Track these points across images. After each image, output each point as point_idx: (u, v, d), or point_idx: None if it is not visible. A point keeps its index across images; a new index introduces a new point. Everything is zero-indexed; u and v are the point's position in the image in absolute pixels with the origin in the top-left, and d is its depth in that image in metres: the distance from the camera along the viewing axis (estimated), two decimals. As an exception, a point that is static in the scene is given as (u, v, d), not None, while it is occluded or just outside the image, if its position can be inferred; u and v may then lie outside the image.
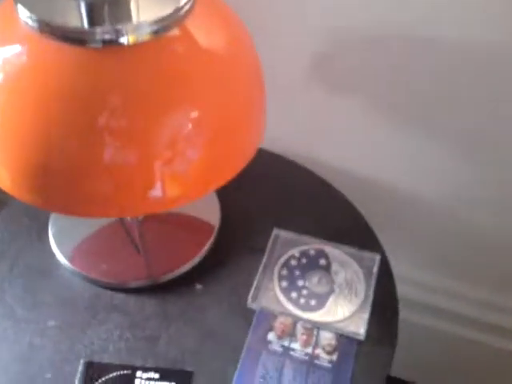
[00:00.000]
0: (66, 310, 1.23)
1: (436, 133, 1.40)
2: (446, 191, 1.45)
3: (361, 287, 1.27)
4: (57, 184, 0.87)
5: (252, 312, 1.23)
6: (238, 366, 1.15)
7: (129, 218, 1.28)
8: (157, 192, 0.89)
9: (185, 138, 0.84)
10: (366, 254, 1.33)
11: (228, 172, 0.97)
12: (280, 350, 1.17)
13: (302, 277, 1.29)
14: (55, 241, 1.27)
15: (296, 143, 1.43)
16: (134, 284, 1.22)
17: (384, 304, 1.24)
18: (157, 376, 1.14)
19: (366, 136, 1.47)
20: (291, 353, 1.17)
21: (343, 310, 1.23)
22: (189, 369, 1.15)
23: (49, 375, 1.13)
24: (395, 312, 1.23)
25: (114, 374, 1.14)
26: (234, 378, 1.13)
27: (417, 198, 1.49)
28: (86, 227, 1.32)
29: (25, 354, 1.12)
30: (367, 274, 1.29)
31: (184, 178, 0.91)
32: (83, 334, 1.19)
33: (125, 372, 1.14)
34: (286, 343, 1.18)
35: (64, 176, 0.85)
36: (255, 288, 1.25)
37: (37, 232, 1.31)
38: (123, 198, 0.91)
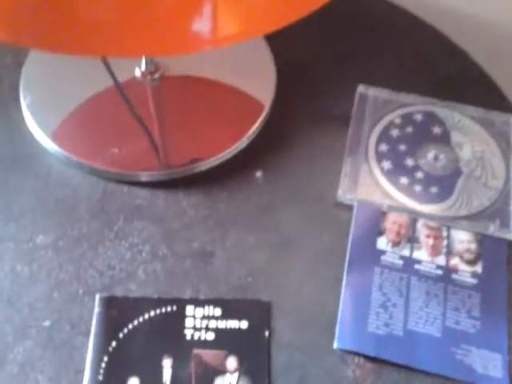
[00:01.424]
0: (62, 219, 0.80)
1: None
2: None
3: (498, 163, 0.86)
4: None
5: (345, 210, 0.81)
6: (341, 295, 0.75)
7: (138, 76, 0.84)
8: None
9: None
10: (497, 117, 0.90)
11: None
12: (399, 263, 0.77)
13: (412, 153, 0.87)
14: (33, 117, 0.81)
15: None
16: (161, 175, 0.84)
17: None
18: (218, 312, 0.73)
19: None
20: (416, 266, 0.77)
21: (480, 199, 0.83)
22: (263, 298, 0.75)
23: (47, 322, 0.72)
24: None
25: (151, 313, 0.73)
26: (339, 320, 0.73)
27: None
28: (73, 94, 0.87)
29: (6, 292, 0.73)
30: (503, 143, 0.88)
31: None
32: (94, 255, 0.77)
33: (168, 309, 0.74)
34: (405, 252, 0.78)
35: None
36: (345, 175, 0.83)
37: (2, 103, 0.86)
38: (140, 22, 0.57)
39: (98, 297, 0.74)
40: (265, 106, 0.90)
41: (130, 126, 0.85)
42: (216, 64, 0.92)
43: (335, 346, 0.72)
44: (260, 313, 0.74)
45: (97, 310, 0.73)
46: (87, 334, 0.71)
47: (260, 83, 0.93)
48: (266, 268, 0.77)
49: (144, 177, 0.82)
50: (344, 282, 0.76)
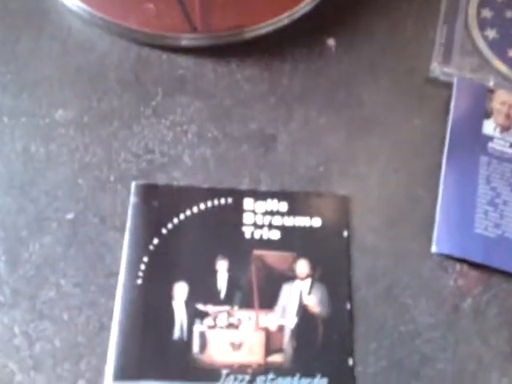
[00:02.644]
0: (87, 90, 0.64)
1: None
2: None
3: None
4: None
5: (441, 87, 0.65)
6: (439, 189, 0.60)
7: None
8: None
9: None
10: None
11: None
12: (510, 152, 0.61)
13: (520, 21, 0.69)
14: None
15: None
16: (207, 39, 0.69)
17: None
18: (283, 207, 0.59)
19: None
20: (532, 156, 0.61)
21: None
22: (340, 191, 0.60)
23: (70, 215, 0.58)
24: None
25: (201, 206, 0.58)
26: (437, 218, 0.58)
27: None
28: None
29: (18, 177, 0.56)
30: None
31: None
32: (127, 134, 0.62)
33: (221, 202, 0.59)
34: (518, 139, 0.62)
35: None
36: (439, 45, 0.66)
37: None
38: None
39: (134, 184, 0.59)
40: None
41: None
42: None
43: (433, 249, 0.58)
44: (336, 209, 0.59)
45: (133, 199, 0.58)
46: (121, 230, 0.57)
47: None
48: (341, 155, 0.62)
49: (186, 40, 0.66)
50: (443, 174, 0.60)
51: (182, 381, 0.52)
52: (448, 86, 0.65)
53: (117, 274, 0.55)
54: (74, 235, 0.57)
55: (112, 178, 0.60)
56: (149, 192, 0.59)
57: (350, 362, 0.54)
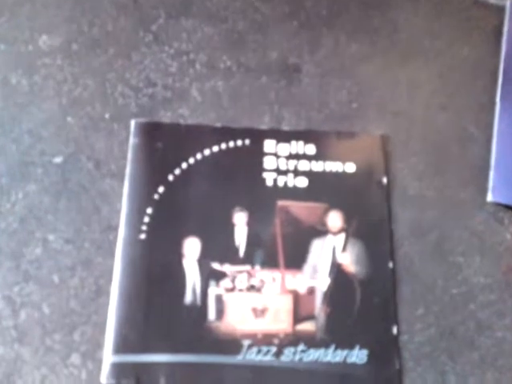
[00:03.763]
0: (75, 12, 0.55)
1: None
2: None
3: None
4: None
5: (492, 11, 0.56)
6: (494, 128, 0.51)
7: None
8: None
9: None
10: None
11: None
12: None
13: None
14: None
15: None
16: None
17: None
18: (311, 149, 0.50)
19: None
20: None
21: None
22: (375, 130, 0.51)
23: (58, 158, 0.49)
24: None
25: (214, 148, 0.50)
26: (492, 163, 0.50)
27: None
28: None
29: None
30: None
31: None
32: (124, 64, 0.54)
33: (238, 144, 0.51)
34: None
35: None
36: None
37: None
38: None
39: (133, 123, 0.50)
40: None
41: None
42: None
43: (488, 198, 0.49)
44: (373, 152, 0.51)
45: (133, 141, 0.49)
46: (120, 176, 0.48)
47: None
48: (378, 88, 0.53)
49: (194, -46, 0.56)
50: (497, 111, 0.51)
51: (195, 353, 0.44)
52: (499, 9, 0.56)
53: (116, 228, 0.47)
54: (63, 183, 0.48)
55: (107, 116, 0.50)
56: (151, 132, 0.50)
57: (394, 330, 0.45)
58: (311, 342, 0.45)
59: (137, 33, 0.53)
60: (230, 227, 0.47)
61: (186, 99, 0.52)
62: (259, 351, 0.44)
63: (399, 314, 0.46)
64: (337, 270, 0.47)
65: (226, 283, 0.46)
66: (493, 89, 0.53)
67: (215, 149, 0.50)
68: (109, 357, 0.43)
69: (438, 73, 0.54)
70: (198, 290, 0.45)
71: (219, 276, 0.46)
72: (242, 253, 0.47)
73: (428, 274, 0.47)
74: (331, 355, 0.44)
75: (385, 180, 0.50)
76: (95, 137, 0.50)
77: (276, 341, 0.45)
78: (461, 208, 0.49)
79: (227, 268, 0.46)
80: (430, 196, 0.50)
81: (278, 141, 0.50)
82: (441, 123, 0.52)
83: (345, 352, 0.45)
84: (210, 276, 0.46)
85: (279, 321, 0.46)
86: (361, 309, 0.46)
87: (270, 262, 0.47)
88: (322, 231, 0.48)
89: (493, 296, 0.47)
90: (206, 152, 0.49)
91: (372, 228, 0.48)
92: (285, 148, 0.50)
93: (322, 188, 0.49)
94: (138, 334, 0.44)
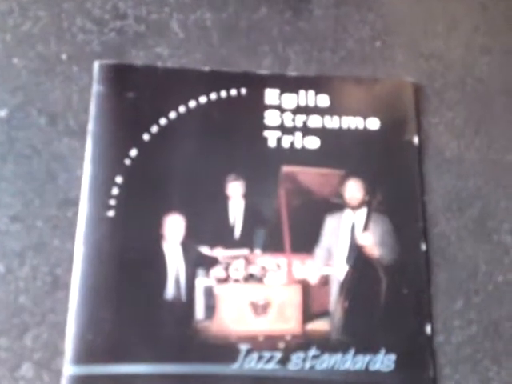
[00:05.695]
0: None
1: None
2: None
3: None
4: None
5: None
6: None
7: None
8: None
9: None
10: None
11: None
12: None
13: None
14: None
15: None
16: None
17: None
18: (323, 101, 0.40)
19: None
20: None
21: None
22: (407, 77, 0.41)
23: (2, 111, 0.38)
24: None
25: (201, 98, 0.40)
26: None
27: None
28: None
29: None
30: None
31: None
32: None
33: (231, 93, 0.40)
34: None
35: None
36: None
37: None
38: None
39: (97, 65, 0.39)
40: None
41: None
42: None
43: (544, 163, 0.40)
44: (401, 104, 0.41)
45: (97, 88, 0.39)
46: (81, 135, 0.39)
47: None
48: (406, 24, 0.43)
49: None
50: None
51: (179, 362, 0.35)
52: None
53: (76, 201, 0.37)
54: (9, 143, 0.38)
55: (64, 56, 0.40)
56: (120, 77, 0.39)
57: (428, 329, 0.37)
58: (325, 345, 0.36)
59: (101, -52, 0.42)
60: (222, 200, 0.38)
61: (164, 35, 0.42)
62: (260, 358, 0.36)
63: (434, 308, 0.38)
64: (357, 255, 0.38)
65: (217, 272, 0.37)
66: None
67: (203, 100, 0.39)
68: (68, 368, 0.34)
69: (481, 4, 0.43)
70: (183, 281, 0.37)
71: (209, 263, 0.37)
72: (237, 233, 0.38)
73: (468, 258, 0.39)
74: (350, 362, 0.36)
75: (416, 140, 0.40)
76: (49, 84, 0.40)
77: (281, 344, 0.36)
78: (508, 174, 0.40)
79: (219, 253, 0.37)
80: (470, 159, 0.41)
81: (283, 90, 0.41)
82: (484, 69, 0.42)
83: (367, 357, 0.36)
84: (197, 263, 0.37)
85: (285, 319, 0.37)
86: (387, 303, 0.37)
87: (273, 245, 0.38)
88: (337, 205, 0.39)
89: (548, 285, 0.39)
90: (192, 104, 0.39)
91: (400, 201, 0.39)
92: (291, 99, 0.40)
93: (338, 150, 0.40)
94: (106, 338, 0.35)
